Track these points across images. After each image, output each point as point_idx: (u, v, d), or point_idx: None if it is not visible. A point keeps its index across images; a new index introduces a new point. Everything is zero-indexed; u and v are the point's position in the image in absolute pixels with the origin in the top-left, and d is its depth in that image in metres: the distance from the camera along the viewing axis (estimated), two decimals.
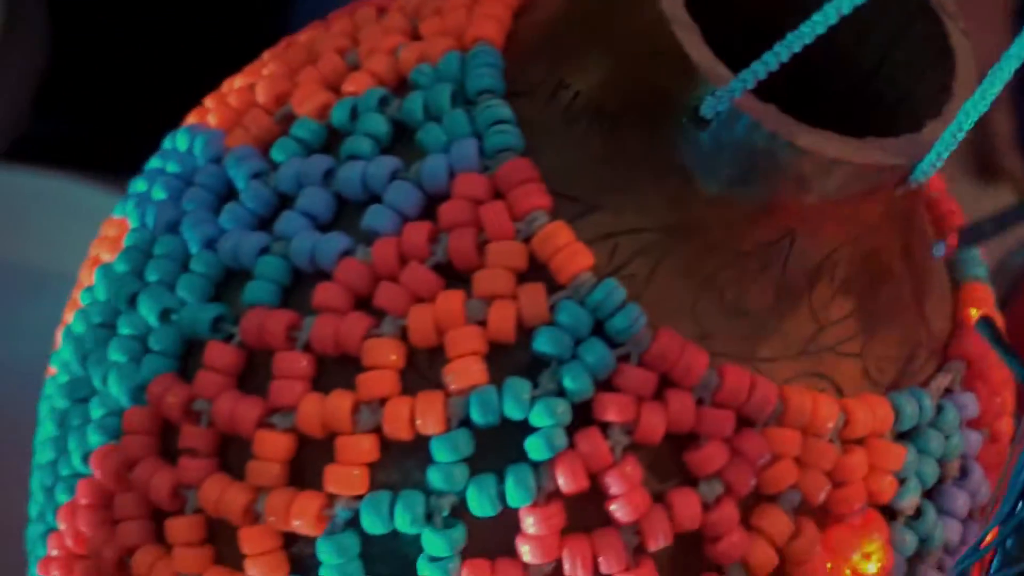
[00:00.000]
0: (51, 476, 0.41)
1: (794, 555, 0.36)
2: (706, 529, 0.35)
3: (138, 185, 0.42)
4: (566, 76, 0.36)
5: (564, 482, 0.34)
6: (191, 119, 0.43)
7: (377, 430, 0.35)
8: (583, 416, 0.34)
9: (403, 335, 0.35)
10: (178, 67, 0.91)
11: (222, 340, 0.37)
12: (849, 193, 0.35)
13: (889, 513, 0.37)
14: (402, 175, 0.36)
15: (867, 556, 0.37)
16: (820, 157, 0.34)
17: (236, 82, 0.42)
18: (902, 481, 0.37)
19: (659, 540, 0.34)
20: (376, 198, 0.36)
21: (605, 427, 0.34)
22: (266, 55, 0.43)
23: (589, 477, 0.34)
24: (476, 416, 0.34)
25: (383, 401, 0.35)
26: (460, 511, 0.34)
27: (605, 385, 0.34)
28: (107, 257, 0.42)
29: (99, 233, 0.44)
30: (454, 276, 0.35)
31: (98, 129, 0.91)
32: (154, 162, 0.43)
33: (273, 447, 0.35)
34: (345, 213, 0.37)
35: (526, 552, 0.34)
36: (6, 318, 0.71)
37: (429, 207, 0.36)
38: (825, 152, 0.33)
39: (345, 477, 0.35)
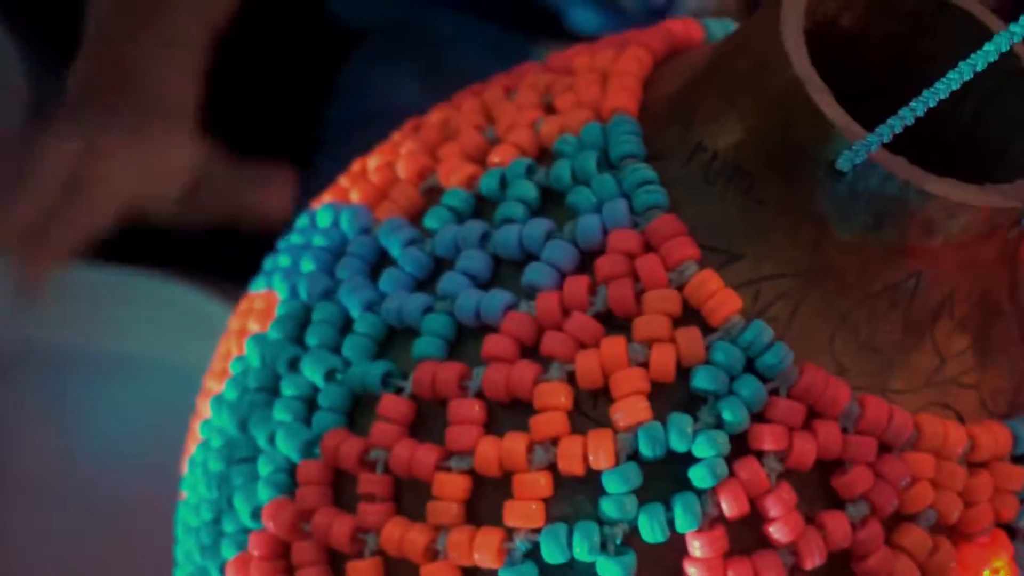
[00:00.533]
0: (211, 535, 0.44)
1: (933, 570, 0.39)
2: (855, 548, 0.38)
3: (281, 260, 0.45)
4: (703, 139, 0.39)
5: (727, 507, 0.37)
6: (327, 198, 0.46)
7: (550, 467, 0.38)
8: (739, 446, 0.37)
9: (569, 379, 0.38)
10: None
11: (393, 393, 0.40)
12: (969, 235, 0.38)
13: (1011, 532, 0.40)
14: (556, 235, 0.40)
15: (995, 572, 0.40)
16: (946, 202, 0.37)
17: (371, 162, 0.45)
18: (1023, 501, 0.40)
19: (814, 559, 0.37)
20: (531, 257, 0.40)
21: (760, 455, 0.37)
22: (396, 136, 0.46)
23: (749, 502, 0.37)
24: (645, 450, 0.37)
25: (555, 440, 0.38)
26: (631, 538, 0.37)
27: (758, 417, 0.37)
28: (256, 327, 0.44)
29: (239, 308, 0.47)
30: (613, 324, 0.38)
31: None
32: (294, 238, 0.46)
33: (453, 488, 0.38)
34: (500, 272, 0.40)
35: (693, 574, 0.37)
36: (101, 403, 0.74)
37: (584, 262, 0.39)
38: (951, 197, 0.37)
39: (524, 511, 0.37)
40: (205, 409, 0.46)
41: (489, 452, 0.38)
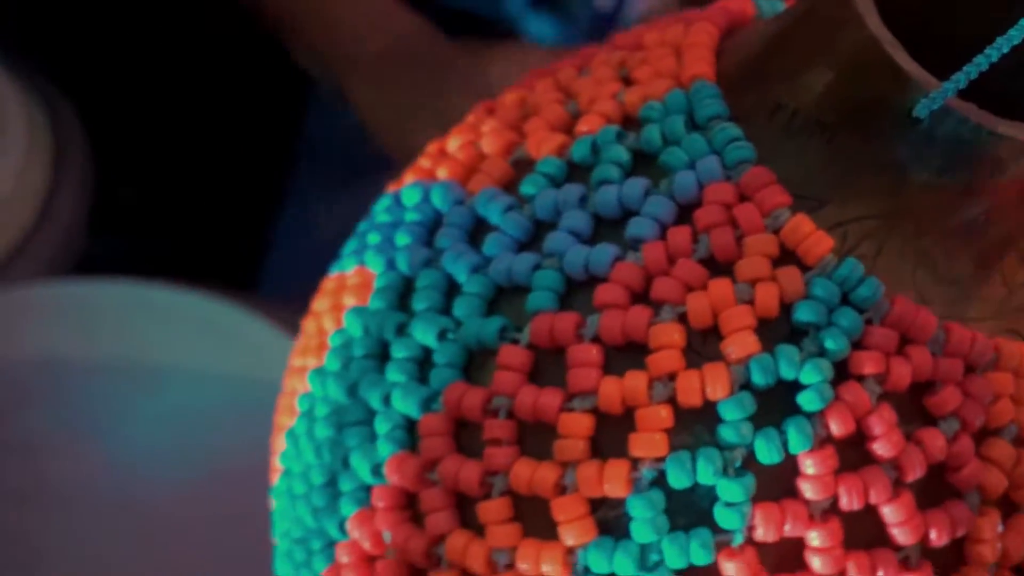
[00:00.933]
0: (326, 497, 0.46)
1: (1019, 480, 0.42)
2: (949, 460, 0.41)
3: (370, 239, 0.48)
4: (781, 98, 0.43)
5: (836, 427, 0.40)
6: (410, 178, 0.49)
7: (669, 401, 0.41)
8: (841, 372, 0.41)
9: (680, 320, 0.41)
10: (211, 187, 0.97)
11: (511, 344, 0.43)
12: None
13: None
14: (654, 191, 0.43)
15: None
16: (1015, 142, 0.41)
17: (451, 143, 0.48)
18: None
19: (916, 472, 0.41)
20: (630, 213, 0.43)
21: (860, 379, 0.41)
22: (471, 118, 0.49)
23: (855, 422, 0.40)
24: (757, 379, 0.40)
25: (672, 376, 0.41)
26: (748, 461, 0.40)
27: (856, 345, 0.41)
28: (352, 302, 0.47)
29: (324, 288, 0.50)
30: (716, 268, 0.42)
31: (143, 245, 0.97)
32: (380, 218, 0.49)
33: (577, 426, 0.41)
34: (600, 230, 0.43)
35: (807, 490, 0.40)
36: (129, 415, 0.76)
37: (681, 215, 0.42)
38: (1020, 136, 0.41)
39: (648, 442, 0.40)
40: (299, 384, 0.49)
41: (612, 390, 0.41)
